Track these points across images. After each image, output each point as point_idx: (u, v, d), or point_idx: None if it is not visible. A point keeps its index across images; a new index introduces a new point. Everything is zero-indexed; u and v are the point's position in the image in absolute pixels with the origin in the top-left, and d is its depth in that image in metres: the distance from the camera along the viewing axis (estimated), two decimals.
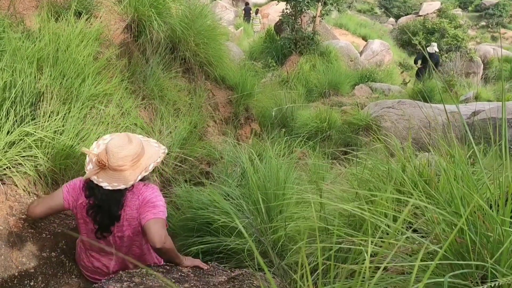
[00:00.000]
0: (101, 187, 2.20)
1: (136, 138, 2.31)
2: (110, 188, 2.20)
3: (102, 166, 2.21)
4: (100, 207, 2.26)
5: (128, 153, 2.22)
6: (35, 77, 3.13)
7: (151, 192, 2.33)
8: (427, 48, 13.66)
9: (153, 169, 2.39)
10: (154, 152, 2.38)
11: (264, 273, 2.22)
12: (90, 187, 2.26)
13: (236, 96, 6.51)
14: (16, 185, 2.65)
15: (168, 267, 2.35)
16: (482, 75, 19.20)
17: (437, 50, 14.07)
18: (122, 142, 2.24)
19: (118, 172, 2.23)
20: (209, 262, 2.67)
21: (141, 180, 2.32)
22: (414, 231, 1.48)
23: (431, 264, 1.20)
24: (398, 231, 1.36)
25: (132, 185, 2.28)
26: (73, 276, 2.54)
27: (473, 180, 1.26)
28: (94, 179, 2.22)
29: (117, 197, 2.26)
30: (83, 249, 2.47)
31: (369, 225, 1.49)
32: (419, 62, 13.30)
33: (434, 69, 13.19)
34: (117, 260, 2.43)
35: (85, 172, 2.27)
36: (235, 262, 2.96)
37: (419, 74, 13.09)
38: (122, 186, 2.22)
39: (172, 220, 3.43)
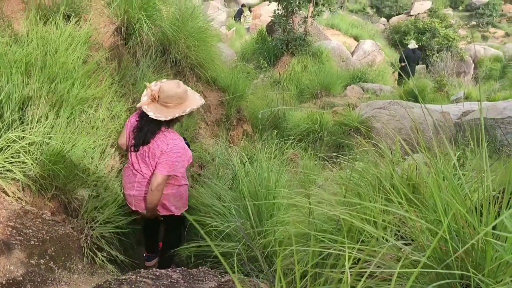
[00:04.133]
0: (148, 116, 2.96)
1: (184, 86, 3.10)
2: (153, 117, 2.94)
3: (153, 99, 3.01)
4: (141, 129, 3.06)
5: (175, 94, 2.99)
6: (23, 81, 3.11)
7: (176, 149, 3.03)
8: (409, 46, 13.91)
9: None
10: (195, 100, 3.17)
11: (254, 279, 2.22)
12: (141, 116, 3.08)
13: (228, 98, 6.49)
14: (4, 192, 2.63)
15: (158, 273, 2.34)
16: (472, 75, 19.35)
17: (417, 46, 14.37)
18: (172, 84, 3.04)
19: (163, 107, 3.00)
20: (200, 267, 2.67)
21: (171, 123, 3.08)
22: (401, 238, 1.49)
23: (414, 272, 1.21)
24: (384, 238, 1.37)
25: (168, 126, 3.07)
26: (62, 283, 2.52)
27: (456, 187, 1.26)
28: (145, 108, 2.98)
29: (153, 127, 3.03)
30: (127, 166, 3.26)
31: (344, 232, 1.49)
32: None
33: (417, 63, 13.57)
34: (141, 163, 3.15)
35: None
36: (228, 266, 2.95)
37: (403, 72, 13.20)
38: (162, 118, 2.95)
39: None
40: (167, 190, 3.16)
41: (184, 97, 3.06)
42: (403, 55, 13.62)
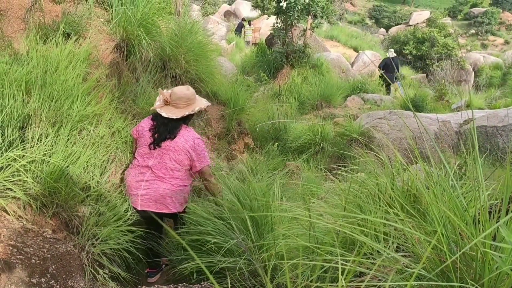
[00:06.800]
0: (162, 117, 3.39)
1: (192, 89, 3.55)
2: (166, 116, 3.38)
3: (165, 102, 3.46)
4: (161, 127, 3.41)
5: (184, 95, 3.44)
6: (23, 100, 3.12)
7: (200, 143, 3.48)
8: (388, 54, 14.19)
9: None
10: (202, 102, 3.63)
11: None
12: (156, 116, 3.48)
13: (229, 111, 6.51)
14: (5, 211, 2.62)
15: None
16: (473, 83, 19.39)
17: (395, 55, 14.65)
18: (182, 88, 3.51)
19: (174, 108, 3.43)
20: (202, 283, 2.66)
21: (187, 120, 3.54)
22: (403, 250, 1.48)
23: (415, 284, 1.20)
24: (385, 251, 1.36)
25: (186, 123, 3.52)
26: None
27: (453, 197, 1.26)
28: (158, 110, 3.42)
29: (175, 124, 3.42)
30: (133, 166, 3.52)
31: (340, 244, 1.48)
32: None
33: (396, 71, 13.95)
34: (156, 160, 3.42)
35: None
36: (230, 281, 2.93)
37: (386, 78, 13.35)
38: (173, 116, 3.38)
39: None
40: (174, 188, 3.42)
41: (192, 99, 3.50)
42: (382, 64, 13.90)
